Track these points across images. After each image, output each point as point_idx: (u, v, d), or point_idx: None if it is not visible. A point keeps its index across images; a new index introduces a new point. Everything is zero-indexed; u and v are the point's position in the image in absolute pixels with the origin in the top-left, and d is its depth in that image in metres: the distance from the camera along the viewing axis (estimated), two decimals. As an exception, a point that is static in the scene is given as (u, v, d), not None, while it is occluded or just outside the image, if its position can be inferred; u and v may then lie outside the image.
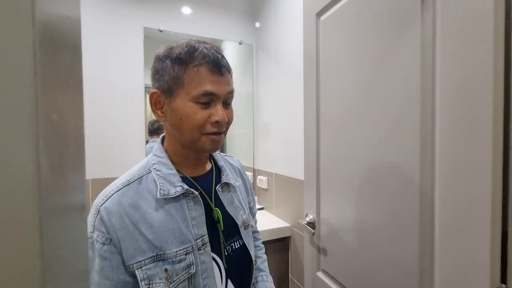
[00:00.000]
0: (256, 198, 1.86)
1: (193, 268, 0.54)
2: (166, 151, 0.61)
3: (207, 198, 0.60)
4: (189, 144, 0.57)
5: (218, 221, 0.60)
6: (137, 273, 0.50)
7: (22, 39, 0.11)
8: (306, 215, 1.03)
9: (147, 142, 1.63)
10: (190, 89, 0.52)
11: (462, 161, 0.52)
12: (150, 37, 1.61)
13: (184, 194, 0.56)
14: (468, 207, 0.51)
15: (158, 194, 0.54)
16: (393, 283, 0.67)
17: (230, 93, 0.57)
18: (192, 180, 0.60)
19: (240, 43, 1.84)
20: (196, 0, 1.73)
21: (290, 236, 1.48)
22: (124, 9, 1.55)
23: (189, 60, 0.52)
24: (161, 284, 0.51)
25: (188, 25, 1.70)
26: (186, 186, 0.56)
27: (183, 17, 1.70)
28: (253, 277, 0.69)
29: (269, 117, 1.71)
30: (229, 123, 0.57)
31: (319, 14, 0.92)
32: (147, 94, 1.63)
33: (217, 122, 0.54)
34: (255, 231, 0.80)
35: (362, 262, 0.78)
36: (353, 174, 0.80)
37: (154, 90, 0.56)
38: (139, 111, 1.59)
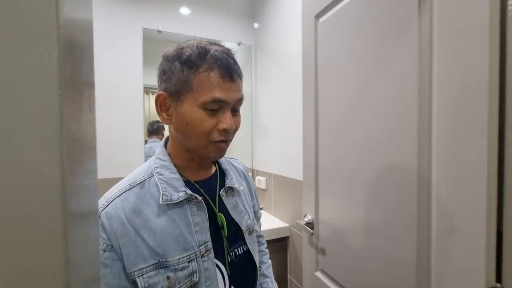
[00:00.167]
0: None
1: (196, 276, 0.52)
2: (169, 154, 0.59)
3: (211, 203, 0.59)
4: (194, 150, 0.55)
5: (222, 227, 0.58)
6: (138, 281, 0.49)
7: (48, 57, 0.12)
8: (305, 216, 1.04)
9: (146, 142, 1.63)
10: (198, 94, 0.49)
11: (458, 163, 0.53)
12: (149, 37, 1.61)
13: (188, 199, 0.55)
14: (464, 208, 0.52)
15: (160, 200, 0.52)
16: (391, 282, 0.68)
17: (240, 100, 0.54)
18: (195, 184, 0.58)
19: (239, 44, 1.85)
20: (195, 1, 1.73)
21: (288, 236, 1.49)
22: (123, 9, 1.55)
23: (200, 63, 0.49)
24: None
25: (187, 26, 1.70)
26: (189, 191, 0.54)
27: (182, 18, 1.70)
28: (258, 283, 0.67)
29: (268, 118, 1.72)
30: (236, 130, 0.55)
31: (318, 16, 0.93)
32: (145, 94, 1.63)
33: (224, 130, 0.52)
34: (259, 236, 0.78)
35: (360, 262, 0.79)
36: (351, 175, 0.81)
37: (161, 92, 0.53)
38: (138, 112, 1.59)
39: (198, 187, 0.58)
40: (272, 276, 0.77)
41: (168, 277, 0.50)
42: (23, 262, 0.12)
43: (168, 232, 0.52)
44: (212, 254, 0.55)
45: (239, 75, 0.54)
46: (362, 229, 0.77)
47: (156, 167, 0.57)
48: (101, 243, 0.49)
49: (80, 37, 0.15)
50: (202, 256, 0.54)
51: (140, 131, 1.60)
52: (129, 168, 1.63)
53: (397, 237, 0.66)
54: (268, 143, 1.70)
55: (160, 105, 0.54)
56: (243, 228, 0.62)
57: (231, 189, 0.63)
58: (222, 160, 0.68)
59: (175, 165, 0.58)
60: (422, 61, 0.59)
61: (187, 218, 0.54)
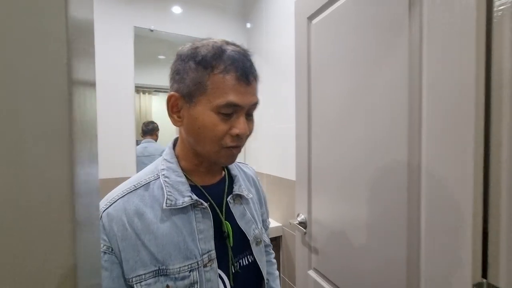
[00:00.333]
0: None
1: (197, 287, 0.50)
2: (177, 156, 0.57)
3: (217, 210, 0.56)
4: (204, 154, 0.52)
5: (228, 236, 0.55)
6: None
7: (58, 59, 0.12)
8: (298, 215, 1.05)
9: (138, 142, 1.61)
10: (212, 97, 0.46)
11: (446, 164, 0.54)
12: (141, 36, 1.59)
13: (193, 205, 0.52)
14: (452, 207, 0.53)
15: (164, 204, 0.50)
16: (382, 279, 0.70)
17: (255, 105, 0.52)
18: (202, 189, 0.56)
19: (231, 44, 1.85)
20: (187, 0, 1.72)
21: (281, 236, 1.50)
22: (114, 8, 1.53)
23: (215, 64, 0.47)
24: None
25: (179, 25, 1.69)
26: (195, 197, 0.52)
27: (174, 17, 1.69)
28: None
29: (261, 117, 1.72)
30: (248, 135, 0.53)
31: (311, 18, 0.94)
32: (137, 94, 1.61)
33: (238, 135, 0.49)
34: (267, 245, 0.74)
35: (352, 260, 0.80)
36: (344, 175, 0.82)
37: (173, 92, 0.51)
38: (129, 111, 1.57)
39: (205, 192, 0.56)
40: None
41: (167, 286, 0.48)
42: (32, 263, 0.12)
43: (170, 239, 0.49)
44: (215, 264, 0.52)
45: (255, 78, 0.51)
46: (354, 228, 0.79)
47: (163, 169, 0.54)
48: (101, 245, 0.48)
49: (84, 38, 0.15)
50: (205, 265, 0.51)
51: (131, 131, 1.58)
52: (120, 169, 1.60)
53: (388, 236, 0.68)
54: (261, 143, 1.71)
55: (172, 106, 0.51)
56: (250, 238, 0.59)
57: (239, 196, 0.60)
58: (232, 165, 0.65)
59: (182, 168, 0.55)
60: (412, 63, 0.60)
61: (191, 225, 0.51)
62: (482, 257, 0.51)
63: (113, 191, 0.53)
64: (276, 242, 1.51)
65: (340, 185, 0.84)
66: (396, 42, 0.64)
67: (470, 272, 0.50)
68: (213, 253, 0.52)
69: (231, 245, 0.56)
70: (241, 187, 0.61)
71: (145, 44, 1.62)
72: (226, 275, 0.54)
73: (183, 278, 0.49)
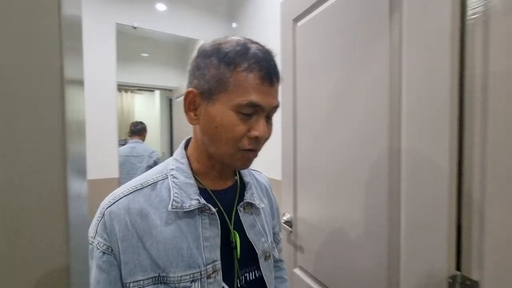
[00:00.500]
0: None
1: None
2: (188, 157, 0.53)
3: (226, 218, 0.52)
4: (218, 156, 0.49)
5: (235, 247, 0.51)
6: None
7: (51, 57, 0.12)
8: (284, 214, 1.06)
9: (121, 142, 1.56)
10: (233, 96, 0.44)
11: (424, 162, 0.57)
12: (123, 33, 1.55)
13: (200, 209, 0.49)
14: (429, 206, 0.56)
15: (170, 206, 0.47)
16: (365, 274, 0.72)
17: (276, 108, 0.49)
18: (211, 194, 0.52)
19: (217, 43, 1.84)
20: (172, -2, 1.69)
21: (267, 235, 1.51)
22: (95, 4, 1.48)
23: (239, 61, 0.44)
24: None
25: (163, 23, 1.66)
26: (203, 200, 0.48)
27: (158, 14, 1.66)
28: None
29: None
30: (266, 139, 0.50)
31: (296, 20, 0.95)
32: (119, 92, 1.57)
33: (256, 138, 0.46)
34: (278, 260, 0.69)
35: (337, 258, 0.82)
36: (328, 175, 0.84)
37: (191, 88, 0.48)
38: (111, 111, 1.52)
39: (214, 197, 0.52)
40: None
41: None
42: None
43: (174, 244, 0.46)
44: (219, 276, 0.48)
45: (278, 80, 0.48)
46: (338, 226, 0.81)
47: (172, 169, 0.51)
48: (101, 244, 0.45)
49: (74, 35, 0.15)
50: (208, 276, 0.47)
51: (113, 131, 1.53)
52: (101, 170, 1.55)
53: (370, 233, 0.70)
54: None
55: (189, 103, 0.48)
56: (258, 252, 0.54)
57: (250, 205, 0.56)
58: (245, 172, 0.61)
59: (193, 170, 0.52)
60: (393, 65, 0.63)
61: (196, 231, 0.48)
62: (456, 251, 0.54)
63: (118, 188, 0.50)
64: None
65: (325, 184, 0.86)
66: (378, 45, 0.66)
67: (445, 265, 0.53)
68: (218, 264, 0.49)
69: (238, 257, 0.51)
70: (253, 195, 0.57)
71: (128, 42, 1.58)
72: None
73: None
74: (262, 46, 0.48)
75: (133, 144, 1.63)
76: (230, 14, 1.88)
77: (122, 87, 1.58)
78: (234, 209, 0.54)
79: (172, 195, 0.48)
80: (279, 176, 1.21)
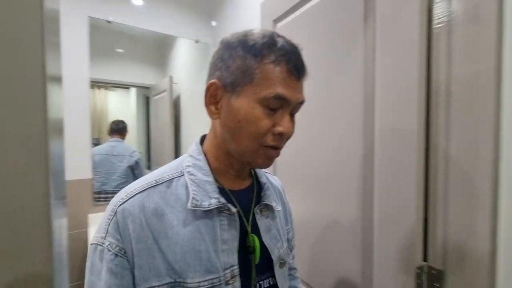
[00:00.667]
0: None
1: None
2: (205, 153, 0.50)
3: (244, 220, 0.48)
4: (238, 153, 0.46)
5: (254, 251, 0.47)
6: None
7: (34, 54, 0.11)
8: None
9: (94, 141, 1.49)
10: (260, 88, 0.42)
11: (394, 162, 0.61)
12: (98, 27, 1.48)
13: (219, 209, 0.46)
14: (399, 202, 0.60)
15: (189, 204, 0.43)
16: (341, 267, 0.75)
17: (301, 104, 0.47)
18: (229, 194, 0.49)
19: (196, 42, 1.81)
20: (149, -8, 1.64)
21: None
22: (65, -6, 1.40)
23: (266, 53, 0.42)
24: None
25: (139, 18, 1.61)
26: (223, 200, 0.45)
27: (134, 9, 1.60)
28: None
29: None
30: (289, 137, 0.47)
31: (276, 21, 0.97)
32: (92, 89, 1.50)
33: (280, 134, 0.44)
34: (292, 268, 0.66)
35: (315, 253, 0.85)
36: (306, 174, 0.86)
37: (214, 80, 0.45)
38: (84, 108, 1.45)
39: (233, 198, 0.49)
40: None
41: None
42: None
43: (192, 246, 0.42)
44: (238, 283, 0.45)
45: (305, 75, 0.46)
46: (316, 222, 0.83)
47: (188, 166, 0.48)
48: (113, 245, 0.40)
49: (53, 29, 0.14)
50: (226, 283, 0.44)
51: (86, 130, 1.46)
52: (73, 170, 1.47)
53: (345, 228, 0.73)
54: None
55: (210, 96, 0.46)
56: (274, 258, 0.51)
57: (267, 207, 0.53)
58: (261, 172, 0.58)
59: (210, 167, 0.49)
60: (367, 69, 0.66)
61: (214, 232, 0.45)
62: (423, 243, 0.58)
63: (131, 185, 0.46)
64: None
65: (303, 182, 0.88)
66: (353, 49, 0.69)
67: (413, 257, 0.57)
68: (236, 269, 0.45)
69: (257, 262, 0.48)
70: (270, 197, 0.54)
71: (102, 36, 1.51)
72: None
73: None
74: (289, 40, 0.46)
75: (114, 143, 1.57)
76: (209, 12, 1.86)
77: (95, 84, 1.51)
78: (252, 211, 0.50)
79: (190, 192, 0.44)
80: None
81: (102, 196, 1.53)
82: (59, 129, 0.14)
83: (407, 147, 0.58)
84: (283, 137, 0.45)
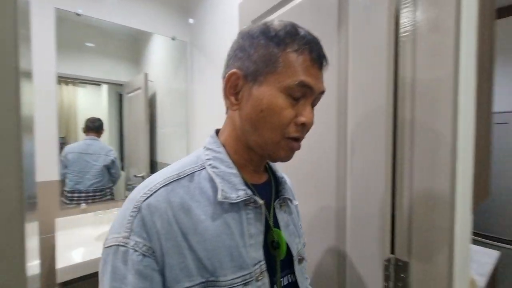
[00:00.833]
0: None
1: None
2: (224, 146, 0.48)
3: (266, 214, 0.47)
4: (259, 146, 0.44)
5: (278, 246, 0.46)
6: None
7: (7, 48, 0.11)
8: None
9: (61, 139, 1.41)
10: (283, 77, 0.41)
11: (365, 160, 0.64)
12: (66, 20, 1.40)
13: (244, 202, 0.43)
14: (369, 197, 0.63)
15: (219, 196, 0.41)
16: (317, 262, 0.78)
17: (322, 94, 0.46)
18: (251, 188, 0.46)
19: (173, 39, 1.77)
20: (123, -14, 1.58)
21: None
22: (28, -18, 1.30)
23: (289, 42, 0.41)
24: None
25: (113, 12, 1.54)
26: (250, 192, 0.44)
27: (107, 2, 1.53)
28: None
29: (205, 117, 1.70)
30: (309, 129, 0.45)
31: (254, 22, 0.97)
32: (59, 85, 1.41)
33: (303, 124, 0.43)
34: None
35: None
36: (285, 172, 0.88)
37: (234, 70, 0.43)
38: (50, 105, 1.36)
39: (255, 191, 0.46)
40: None
41: None
42: None
43: (222, 242, 0.40)
44: (266, 279, 0.43)
45: (326, 65, 0.46)
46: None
47: (208, 159, 0.45)
48: (140, 245, 0.37)
49: (24, 21, 0.14)
50: (257, 279, 0.42)
51: (53, 127, 1.37)
52: (39, 171, 1.38)
53: (321, 226, 0.76)
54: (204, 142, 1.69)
55: (230, 86, 0.44)
56: (294, 254, 0.50)
57: (285, 202, 0.52)
58: (276, 167, 0.56)
59: (232, 160, 0.47)
60: (340, 73, 0.69)
61: (241, 226, 0.43)
62: (391, 238, 0.62)
63: (151, 178, 0.43)
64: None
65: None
66: (328, 53, 0.71)
67: (382, 250, 0.61)
68: (264, 265, 0.43)
69: (282, 257, 0.46)
70: (289, 191, 0.53)
71: (71, 30, 1.43)
72: None
73: None
74: (308, 31, 0.45)
75: (89, 141, 1.50)
76: (187, 10, 1.83)
77: (63, 79, 1.43)
78: (272, 205, 0.49)
79: (218, 185, 0.42)
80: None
81: (75, 196, 1.46)
82: (30, 127, 0.13)
83: (377, 147, 0.61)
84: (305, 128, 0.44)
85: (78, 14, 1.43)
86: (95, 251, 1.13)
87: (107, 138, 1.59)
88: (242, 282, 0.40)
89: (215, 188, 0.42)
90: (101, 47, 1.55)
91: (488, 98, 0.82)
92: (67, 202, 1.44)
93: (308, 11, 0.77)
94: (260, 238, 0.44)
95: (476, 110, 0.58)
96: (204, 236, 0.39)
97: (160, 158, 1.76)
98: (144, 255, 0.37)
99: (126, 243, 0.37)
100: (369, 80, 0.62)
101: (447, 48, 0.53)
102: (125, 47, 1.64)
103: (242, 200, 0.43)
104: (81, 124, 1.50)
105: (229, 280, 0.39)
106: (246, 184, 0.46)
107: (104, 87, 1.60)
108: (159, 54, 1.77)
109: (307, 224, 0.80)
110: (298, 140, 0.44)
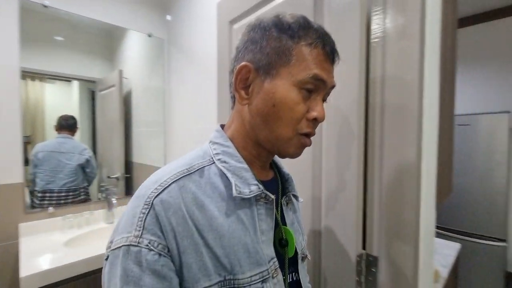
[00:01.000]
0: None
1: None
2: (231, 140, 0.46)
3: (275, 211, 0.45)
4: (269, 141, 0.43)
5: (287, 243, 0.45)
6: None
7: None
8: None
9: (25, 139, 1.32)
10: (296, 70, 0.40)
11: (338, 162, 0.67)
12: (31, 11, 1.31)
13: (255, 197, 0.42)
14: (343, 195, 0.66)
15: (234, 191, 0.40)
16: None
17: (332, 88, 0.45)
18: (261, 184, 0.44)
19: (149, 36, 1.72)
20: (95, -22, 1.51)
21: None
22: (-13, -32, 1.20)
23: (303, 35, 0.40)
24: None
25: (83, 6, 1.46)
26: (261, 187, 0.42)
27: (77, -5, 1.45)
28: None
29: (183, 116, 1.67)
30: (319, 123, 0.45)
31: (232, 22, 0.97)
32: (23, 80, 1.32)
33: (315, 119, 0.42)
34: None
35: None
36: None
37: (245, 63, 0.42)
38: (12, 102, 1.27)
39: (263, 188, 0.45)
40: None
41: None
42: None
43: (238, 238, 0.39)
44: (280, 276, 0.42)
45: (338, 60, 0.45)
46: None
47: (217, 153, 0.44)
48: (155, 244, 0.34)
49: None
50: (272, 276, 0.41)
51: (15, 126, 1.28)
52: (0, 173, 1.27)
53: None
54: (184, 143, 1.66)
55: (241, 80, 0.43)
56: (298, 251, 0.49)
57: (291, 199, 0.51)
58: (281, 163, 0.55)
59: (241, 154, 0.45)
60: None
61: (254, 222, 0.41)
62: (362, 234, 0.65)
63: (158, 174, 0.41)
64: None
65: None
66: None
67: (354, 246, 0.64)
68: (276, 262, 0.42)
69: (290, 255, 0.46)
70: (294, 188, 0.52)
71: (38, 22, 1.34)
72: None
73: None
74: (320, 25, 0.44)
75: (62, 139, 1.41)
76: (164, 6, 1.79)
77: (28, 74, 1.33)
78: (279, 202, 0.48)
79: (232, 180, 0.41)
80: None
81: (46, 196, 1.37)
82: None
83: (349, 145, 0.64)
84: (316, 123, 0.43)
85: (45, 6, 1.34)
86: (64, 257, 1.07)
87: (79, 137, 1.51)
88: (260, 279, 0.39)
89: (226, 183, 0.41)
90: (71, 42, 1.47)
91: (451, 100, 0.88)
92: (37, 202, 1.35)
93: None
94: (271, 235, 0.43)
95: (439, 112, 0.63)
96: (220, 232, 0.38)
97: (136, 158, 1.71)
98: (160, 254, 0.34)
99: (139, 243, 0.34)
100: (343, 82, 0.65)
101: (413, 53, 0.56)
102: (98, 42, 1.57)
103: (253, 196, 0.42)
104: (49, 122, 1.41)
105: (247, 278, 0.38)
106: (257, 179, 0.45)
107: (75, 84, 1.52)
108: (135, 50, 1.71)
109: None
110: (309, 135, 0.43)
